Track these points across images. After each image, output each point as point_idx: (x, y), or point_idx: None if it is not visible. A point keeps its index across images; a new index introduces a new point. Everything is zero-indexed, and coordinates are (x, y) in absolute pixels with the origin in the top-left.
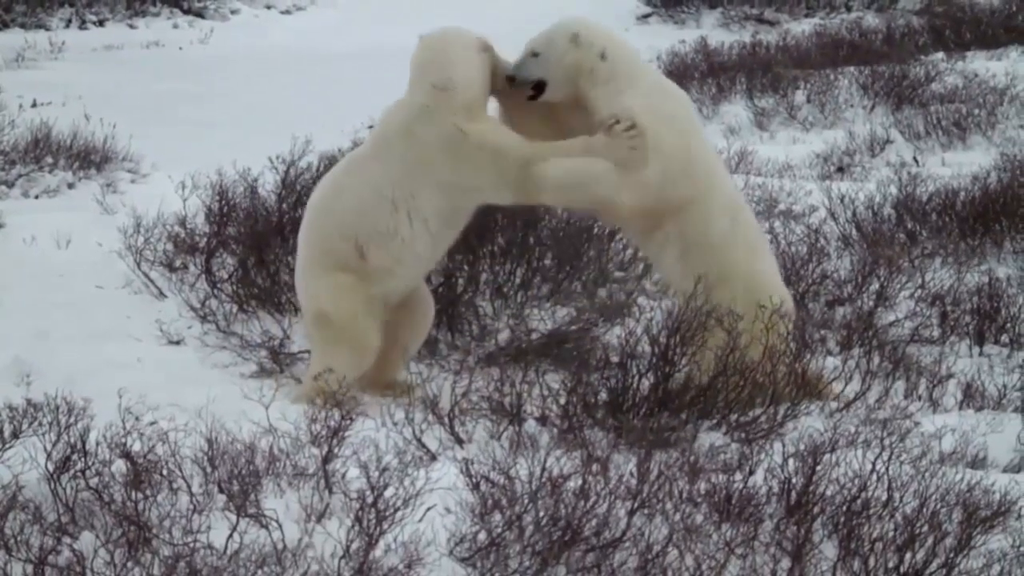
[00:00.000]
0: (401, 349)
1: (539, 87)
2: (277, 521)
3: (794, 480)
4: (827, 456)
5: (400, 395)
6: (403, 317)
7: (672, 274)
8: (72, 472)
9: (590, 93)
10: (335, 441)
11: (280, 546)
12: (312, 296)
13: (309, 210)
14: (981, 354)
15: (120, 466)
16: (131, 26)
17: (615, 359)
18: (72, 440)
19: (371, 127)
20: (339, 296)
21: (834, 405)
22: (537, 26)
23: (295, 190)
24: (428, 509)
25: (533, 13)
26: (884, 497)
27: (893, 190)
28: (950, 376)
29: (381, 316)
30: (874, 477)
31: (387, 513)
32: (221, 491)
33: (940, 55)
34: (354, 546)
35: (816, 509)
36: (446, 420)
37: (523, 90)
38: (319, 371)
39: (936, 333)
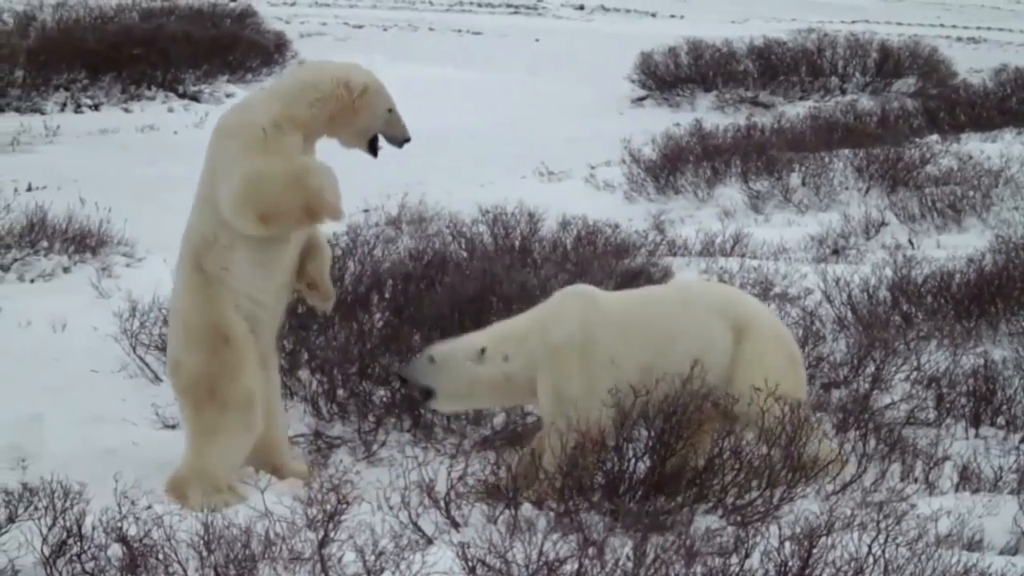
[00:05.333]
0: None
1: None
2: None
3: (790, 563)
4: (823, 539)
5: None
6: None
7: None
8: (68, 556)
9: None
10: (331, 525)
11: None
12: (184, 360)
13: None
14: (977, 436)
15: (116, 550)
16: (126, 110)
17: (611, 442)
18: (68, 524)
19: (366, 210)
20: (214, 345)
21: (830, 488)
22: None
23: None
24: None
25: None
26: None
27: (888, 272)
28: (946, 458)
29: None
30: (870, 560)
31: None
32: None
33: (935, 137)
34: None
35: None
36: (442, 504)
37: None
38: (200, 458)
39: (932, 415)
